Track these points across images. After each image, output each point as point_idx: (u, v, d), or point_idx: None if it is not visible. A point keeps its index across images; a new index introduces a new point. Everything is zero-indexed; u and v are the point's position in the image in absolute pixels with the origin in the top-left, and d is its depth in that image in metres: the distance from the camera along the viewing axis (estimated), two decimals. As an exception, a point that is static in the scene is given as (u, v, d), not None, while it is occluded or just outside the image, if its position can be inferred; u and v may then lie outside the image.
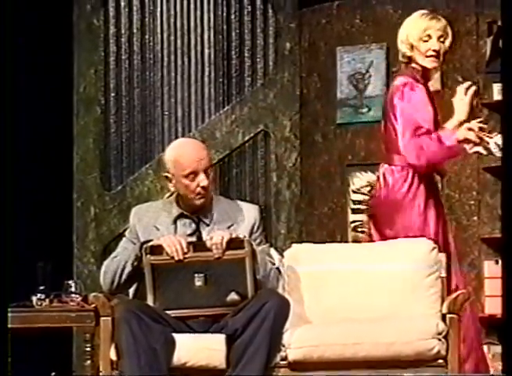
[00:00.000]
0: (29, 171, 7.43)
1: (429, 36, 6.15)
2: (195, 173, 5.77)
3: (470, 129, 6.07)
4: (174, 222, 5.86)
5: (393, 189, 6.26)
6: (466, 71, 7.77)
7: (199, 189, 5.79)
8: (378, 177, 6.37)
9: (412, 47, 6.21)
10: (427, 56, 6.19)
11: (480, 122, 6.12)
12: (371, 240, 6.36)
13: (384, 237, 6.28)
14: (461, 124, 6.15)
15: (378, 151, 7.92)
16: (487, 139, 6.05)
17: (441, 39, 6.18)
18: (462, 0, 7.77)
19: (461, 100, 6.26)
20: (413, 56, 6.20)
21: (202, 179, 5.78)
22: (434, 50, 6.17)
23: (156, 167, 7.79)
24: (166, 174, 5.82)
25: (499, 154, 6.03)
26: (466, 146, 6.10)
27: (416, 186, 6.18)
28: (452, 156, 6.24)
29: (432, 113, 6.22)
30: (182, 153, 5.86)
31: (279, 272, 5.85)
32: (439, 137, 6.07)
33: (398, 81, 6.23)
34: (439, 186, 6.32)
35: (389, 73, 7.84)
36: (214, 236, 5.66)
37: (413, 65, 6.23)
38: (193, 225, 5.86)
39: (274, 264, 5.80)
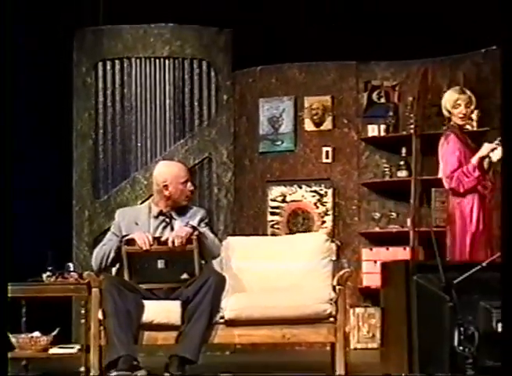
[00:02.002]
0: (43, 186, 7.38)
1: (459, 104, 6.25)
2: (187, 181, 5.85)
3: (492, 149, 6.25)
4: (156, 217, 5.83)
5: (458, 204, 6.33)
6: (350, 116, 7.78)
7: (189, 192, 5.86)
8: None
9: (449, 111, 6.36)
10: (459, 117, 6.28)
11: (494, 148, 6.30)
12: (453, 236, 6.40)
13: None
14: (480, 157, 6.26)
15: (288, 172, 7.93)
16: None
17: (468, 105, 6.29)
18: (346, 66, 7.78)
19: (485, 147, 6.32)
20: (451, 117, 6.33)
21: (190, 185, 5.88)
22: (462, 114, 6.28)
23: (132, 183, 7.76)
24: (164, 183, 5.81)
25: None
26: (492, 155, 6.28)
27: (467, 199, 6.23)
28: (478, 178, 6.30)
29: (459, 154, 6.30)
30: (179, 168, 5.93)
31: (220, 241, 5.94)
32: (467, 169, 6.20)
33: (444, 134, 6.44)
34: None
35: (296, 117, 7.84)
36: (176, 236, 5.64)
37: (452, 123, 6.36)
38: (167, 220, 5.83)
39: (215, 238, 5.86)
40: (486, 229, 6.38)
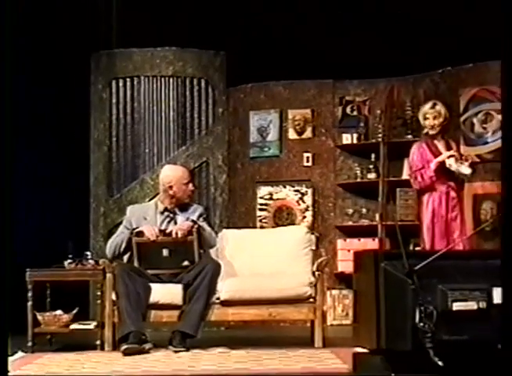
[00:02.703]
0: (65, 186, 7.38)
1: (427, 117, 6.31)
2: (189, 182, 5.87)
3: (448, 157, 6.32)
4: (161, 213, 5.85)
5: (420, 201, 6.48)
6: (327, 126, 7.78)
7: (190, 192, 5.90)
8: None
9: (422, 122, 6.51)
10: (428, 128, 6.37)
11: (451, 155, 6.37)
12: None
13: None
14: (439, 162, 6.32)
15: (274, 174, 7.92)
16: (459, 163, 6.34)
17: (435, 118, 6.32)
18: (323, 84, 7.77)
19: (443, 154, 6.39)
20: (424, 128, 6.38)
21: (191, 186, 5.93)
22: (430, 125, 6.35)
23: (141, 184, 7.74)
24: (169, 184, 5.82)
25: (466, 172, 6.33)
26: (450, 163, 6.34)
27: (426, 196, 6.35)
28: (431, 179, 6.36)
29: (422, 158, 6.37)
30: (182, 171, 5.97)
31: (216, 233, 5.99)
32: (425, 170, 6.30)
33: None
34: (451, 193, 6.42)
35: (281, 127, 7.84)
36: (178, 229, 5.67)
37: (425, 132, 6.47)
38: (171, 215, 5.86)
39: (212, 230, 5.91)
40: (444, 223, 6.39)
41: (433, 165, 6.30)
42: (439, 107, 6.42)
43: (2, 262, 3.50)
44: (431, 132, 6.39)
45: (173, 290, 5.59)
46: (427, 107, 6.46)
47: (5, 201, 3.20)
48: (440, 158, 6.33)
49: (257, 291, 5.67)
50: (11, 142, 3.62)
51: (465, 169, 6.30)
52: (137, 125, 7.82)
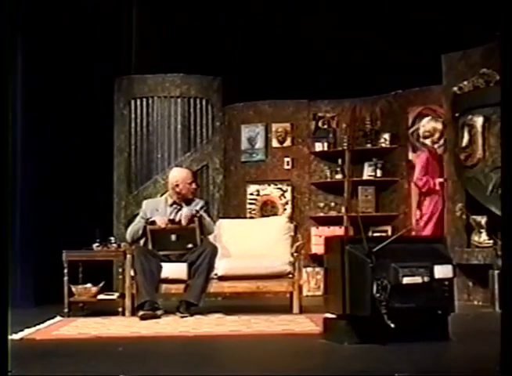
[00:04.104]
0: (94, 184, 7.36)
1: (429, 132, 6.39)
2: (192, 181, 5.85)
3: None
4: (170, 206, 5.84)
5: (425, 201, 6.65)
6: (303, 137, 7.80)
7: (193, 189, 5.90)
8: None
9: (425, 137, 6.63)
10: (430, 142, 6.58)
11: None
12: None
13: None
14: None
15: (261, 175, 7.93)
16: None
17: (435, 133, 6.41)
18: (300, 103, 7.77)
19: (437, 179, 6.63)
20: (424, 139, 6.62)
21: (194, 184, 5.94)
22: (432, 140, 6.57)
23: (154, 182, 7.74)
24: (176, 183, 5.81)
25: None
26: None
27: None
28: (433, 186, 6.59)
29: (423, 166, 6.55)
30: (186, 172, 5.97)
31: (214, 222, 6.01)
32: (433, 181, 6.52)
33: (420, 149, 6.76)
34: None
35: (267, 137, 7.85)
36: (184, 219, 5.68)
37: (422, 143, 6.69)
38: (178, 208, 5.85)
39: (211, 220, 5.92)
40: (440, 215, 6.52)
41: (437, 181, 6.51)
42: (434, 125, 6.53)
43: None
44: (430, 145, 6.47)
45: (180, 267, 5.60)
46: (432, 121, 6.53)
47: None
48: (439, 179, 6.54)
49: (248, 268, 5.69)
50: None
51: None
52: (151, 136, 7.82)
